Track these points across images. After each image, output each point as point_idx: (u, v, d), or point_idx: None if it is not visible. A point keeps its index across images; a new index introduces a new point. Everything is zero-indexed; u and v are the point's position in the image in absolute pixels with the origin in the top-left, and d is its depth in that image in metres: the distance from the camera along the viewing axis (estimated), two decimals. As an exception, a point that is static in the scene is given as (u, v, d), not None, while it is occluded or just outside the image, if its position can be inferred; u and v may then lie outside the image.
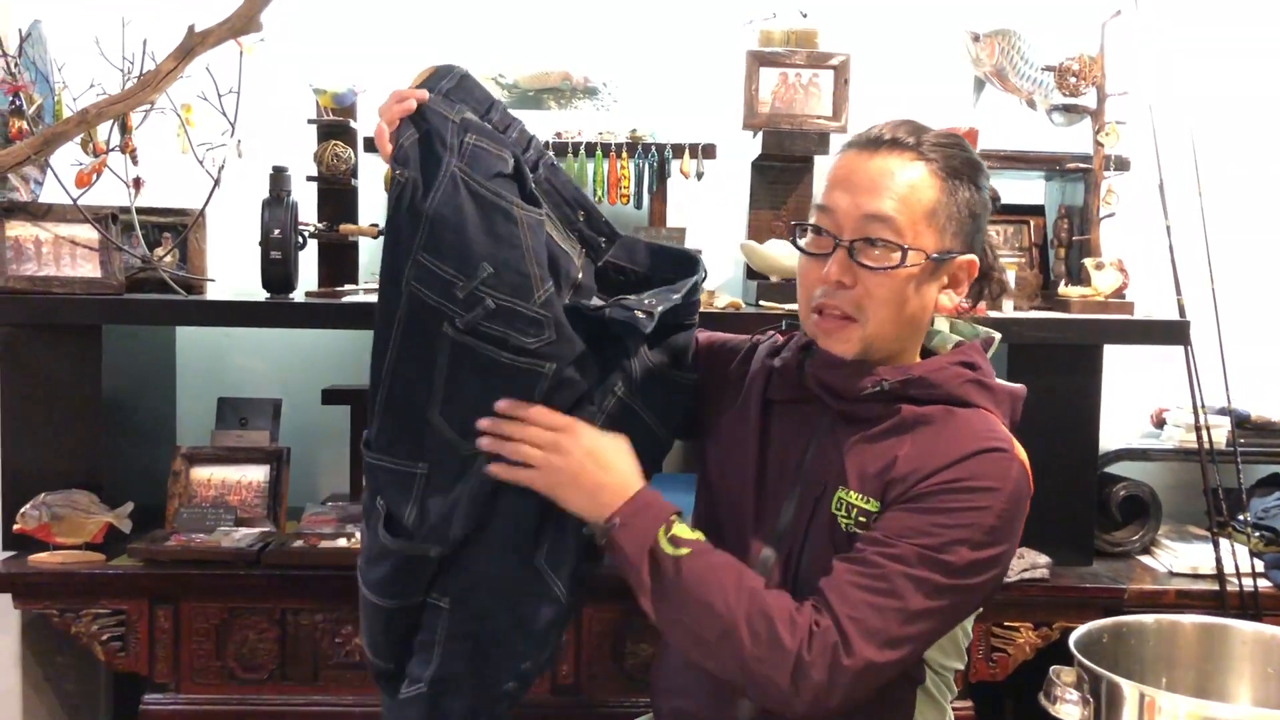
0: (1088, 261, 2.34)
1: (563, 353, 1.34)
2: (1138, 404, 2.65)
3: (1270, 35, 2.68)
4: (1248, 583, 2.22)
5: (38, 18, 2.29)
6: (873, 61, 2.48)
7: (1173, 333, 2.26)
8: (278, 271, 2.27)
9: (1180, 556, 2.35)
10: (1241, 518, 2.40)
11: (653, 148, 2.40)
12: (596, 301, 1.42)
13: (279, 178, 2.28)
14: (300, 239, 2.31)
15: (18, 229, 2.18)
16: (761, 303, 2.27)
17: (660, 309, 1.35)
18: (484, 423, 1.36)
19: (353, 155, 2.38)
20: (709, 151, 2.41)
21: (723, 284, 2.57)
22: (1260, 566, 2.28)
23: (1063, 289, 2.37)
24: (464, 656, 1.42)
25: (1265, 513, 2.43)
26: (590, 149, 2.39)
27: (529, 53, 2.61)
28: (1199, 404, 2.30)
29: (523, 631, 1.43)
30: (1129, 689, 1.39)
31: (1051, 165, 2.43)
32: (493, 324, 1.33)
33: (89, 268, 2.20)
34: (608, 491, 1.34)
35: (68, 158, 2.18)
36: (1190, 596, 2.23)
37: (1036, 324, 2.18)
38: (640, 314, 1.33)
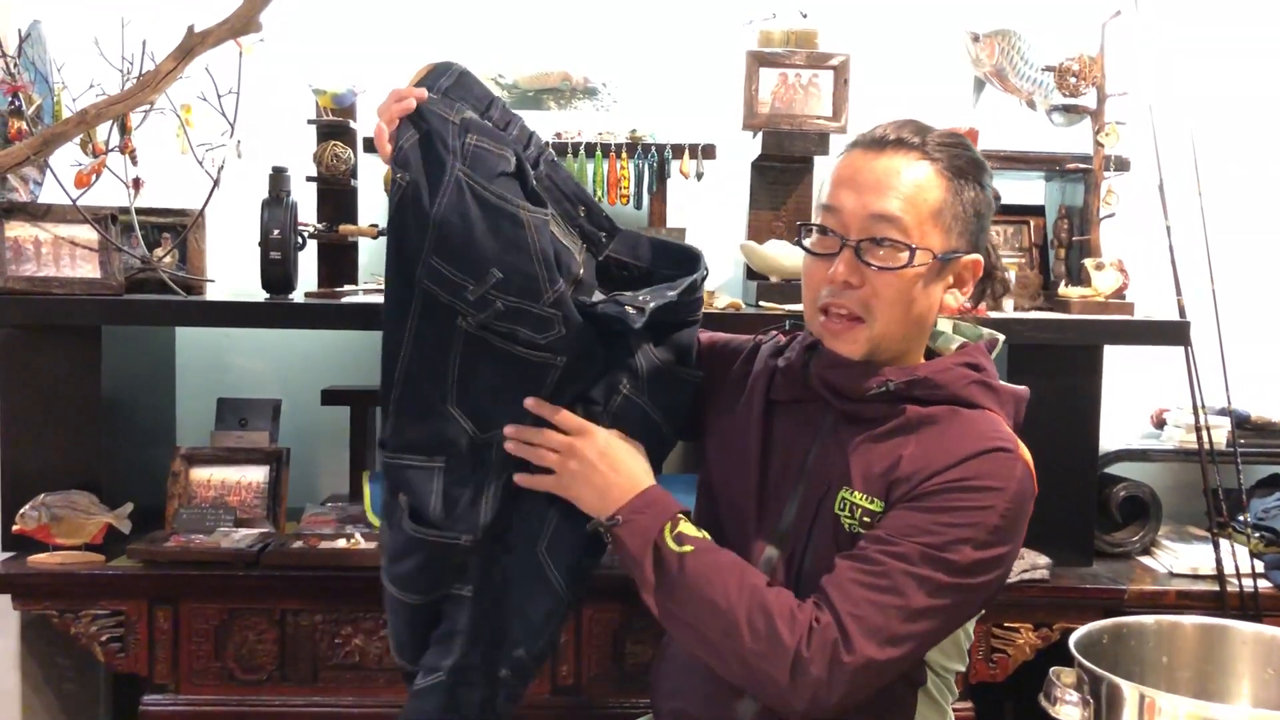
0: (1088, 262, 2.34)
1: (573, 346, 1.38)
2: (1138, 404, 2.65)
3: (1270, 35, 2.68)
4: (1248, 583, 2.22)
5: (37, 18, 2.28)
6: (872, 62, 2.48)
7: (1173, 333, 2.25)
8: (277, 272, 2.27)
9: (1180, 557, 2.35)
10: (1241, 518, 2.40)
11: (652, 148, 2.40)
12: (594, 297, 1.42)
13: (278, 178, 2.28)
14: (300, 239, 2.31)
15: (17, 229, 2.18)
16: (761, 303, 2.27)
17: (653, 305, 1.36)
18: (509, 430, 1.41)
19: (352, 156, 2.38)
20: (709, 152, 2.41)
21: (722, 284, 2.57)
22: (1260, 567, 2.28)
23: (1063, 289, 2.37)
24: (481, 644, 1.45)
25: (1265, 513, 2.43)
26: (590, 149, 2.38)
27: (528, 53, 2.61)
28: (1199, 404, 2.29)
29: (519, 618, 1.45)
30: (1129, 690, 1.39)
31: (1051, 165, 2.43)
32: (503, 322, 1.36)
33: (88, 268, 2.20)
34: (617, 489, 1.36)
35: (67, 158, 2.18)
36: (1190, 597, 2.23)
37: (1036, 324, 2.18)
38: (631, 309, 1.35)
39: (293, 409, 2.49)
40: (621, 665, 2.12)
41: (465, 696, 1.46)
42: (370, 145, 2.33)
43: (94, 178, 2.17)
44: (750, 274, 2.46)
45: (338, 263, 2.42)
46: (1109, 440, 2.42)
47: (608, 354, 1.42)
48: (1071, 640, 1.54)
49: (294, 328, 2.40)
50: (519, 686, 1.50)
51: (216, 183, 2.19)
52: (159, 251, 2.33)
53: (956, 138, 1.35)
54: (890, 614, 1.22)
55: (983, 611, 1.39)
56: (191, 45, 1.82)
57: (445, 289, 1.36)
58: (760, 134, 2.39)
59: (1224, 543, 2.26)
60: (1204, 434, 2.30)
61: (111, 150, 2.18)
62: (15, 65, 2.19)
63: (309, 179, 2.38)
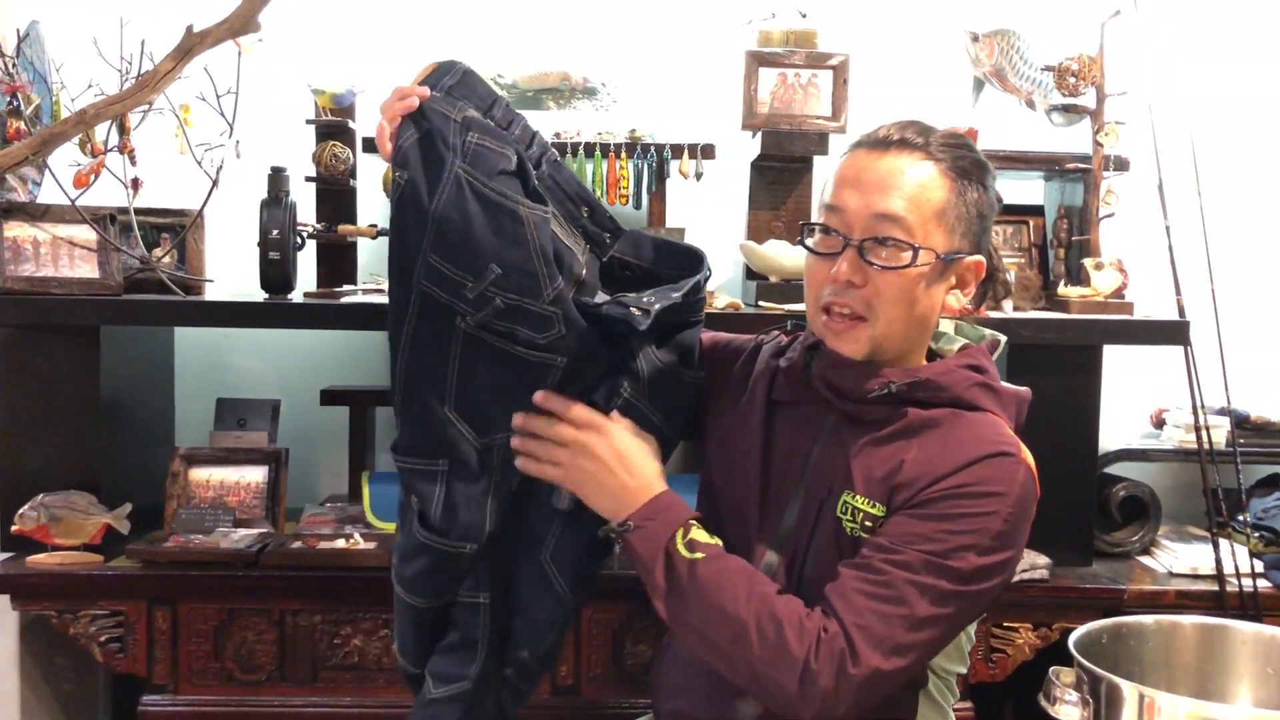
0: (1087, 262, 2.34)
1: (573, 347, 1.36)
2: (1137, 404, 2.65)
3: (1270, 35, 2.68)
4: (1247, 583, 2.22)
5: (35, 18, 2.28)
6: (872, 61, 2.47)
7: (1172, 333, 2.26)
8: (276, 272, 2.26)
9: (1180, 557, 2.35)
10: (1241, 518, 2.40)
11: (652, 148, 2.40)
12: (597, 298, 1.42)
13: (277, 178, 2.27)
14: (299, 239, 2.30)
15: (16, 230, 2.18)
16: (761, 303, 2.27)
17: (658, 306, 1.35)
18: (518, 418, 1.38)
19: (351, 156, 2.38)
20: (708, 152, 2.41)
21: (722, 284, 2.57)
22: (1260, 567, 2.28)
23: (1062, 289, 2.37)
24: (499, 650, 1.45)
25: (1265, 513, 2.43)
26: (589, 149, 2.38)
27: (528, 53, 2.61)
28: (1199, 404, 2.29)
29: (523, 620, 1.46)
30: (1128, 690, 1.39)
31: (1051, 165, 2.43)
32: (502, 321, 1.35)
33: (87, 268, 2.20)
34: (630, 493, 1.35)
35: (66, 158, 2.17)
36: (1190, 597, 2.23)
37: (1036, 324, 2.18)
38: (636, 311, 1.34)
39: (292, 409, 2.48)
40: (621, 665, 2.12)
41: (484, 702, 1.47)
42: (369, 145, 2.33)
43: (93, 178, 2.16)
44: (749, 274, 2.46)
45: (337, 263, 2.42)
46: (1109, 440, 2.43)
47: (609, 356, 1.41)
48: (1071, 640, 1.53)
49: (293, 328, 2.40)
50: (524, 687, 1.50)
51: (215, 183, 2.19)
52: (158, 252, 2.33)
53: (960, 139, 1.35)
54: (895, 624, 1.22)
55: (985, 614, 1.39)
56: (190, 45, 1.82)
57: (444, 288, 1.35)
58: (759, 134, 2.39)
59: (1223, 542, 2.27)
60: (1203, 434, 2.30)
61: (110, 150, 2.17)
62: (14, 65, 2.18)
63: (308, 179, 2.37)
